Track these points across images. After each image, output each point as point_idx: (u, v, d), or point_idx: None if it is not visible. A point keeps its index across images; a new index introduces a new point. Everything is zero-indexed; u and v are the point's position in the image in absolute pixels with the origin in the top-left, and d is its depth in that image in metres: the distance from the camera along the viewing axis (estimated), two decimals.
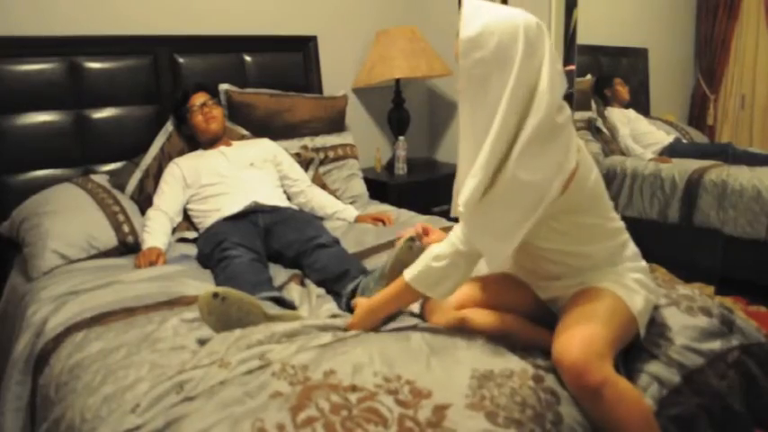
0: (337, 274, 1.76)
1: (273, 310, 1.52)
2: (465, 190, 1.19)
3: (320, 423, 1.05)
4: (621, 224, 1.38)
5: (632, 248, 1.38)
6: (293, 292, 1.76)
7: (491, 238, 1.22)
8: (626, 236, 1.38)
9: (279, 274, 1.90)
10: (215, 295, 1.42)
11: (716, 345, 1.40)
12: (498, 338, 1.33)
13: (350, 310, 1.61)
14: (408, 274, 1.32)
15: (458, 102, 1.24)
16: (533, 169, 1.14)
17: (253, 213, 2.17)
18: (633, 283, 1.30)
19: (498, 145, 1.14)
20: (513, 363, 1.24)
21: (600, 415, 1.13)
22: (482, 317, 1.38)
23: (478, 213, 1.20)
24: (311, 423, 1.05)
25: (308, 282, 1.86)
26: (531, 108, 1.13)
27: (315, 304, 1.69)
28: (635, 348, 1.33)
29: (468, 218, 1.23)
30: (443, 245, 1.30)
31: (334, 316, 1.58)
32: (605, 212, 1.33)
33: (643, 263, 1.38)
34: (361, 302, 1.46)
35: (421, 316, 1.50)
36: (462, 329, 1.37)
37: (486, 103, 1.14)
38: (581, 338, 1.15)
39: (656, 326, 1.39)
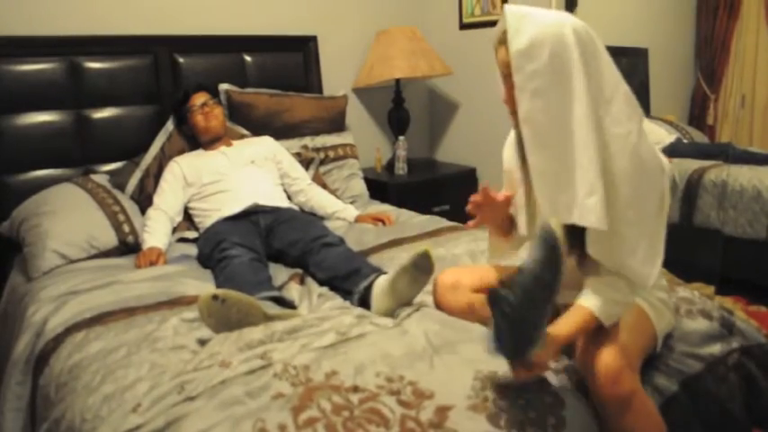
0: (347, 273, 1.75)
1: (273, 309, 1.52)
2: (590, 212, 1.09)
3: (322, 423, 1.05)
4: None
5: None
6: (293, 292, 1.76)
7: (638, 254, 1.15)
8: None
9: (279, 273, 1.90)
10: (214, 297, 1.42)
11: (716, 348, 1.40)
12: None
13: (364, 306, 1.62)
14: (596, 307, 1.18)
15: (517, 122, 1.17)
16: (647, 147, 1.12)
17: (254, 214, 2.17)
18: (658, 303, 1.31)
19: (596, 151, 1.08)
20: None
21: (621, 425, 1.13)
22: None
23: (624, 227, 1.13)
24: (313, 423, 1.05)
25: (308, 280, 1.86)
26: (609, 107, 1.11)
27: (315, 303, 1.69)
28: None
29: (613, 241, 1.13)
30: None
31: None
32: None
33: (663, 281, 1.38)
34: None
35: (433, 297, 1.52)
36: (467, 323, 1.37)
37: (550, 116, 1.10)
38: (616, 348, 1.14)
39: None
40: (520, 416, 1.11)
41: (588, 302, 1.18)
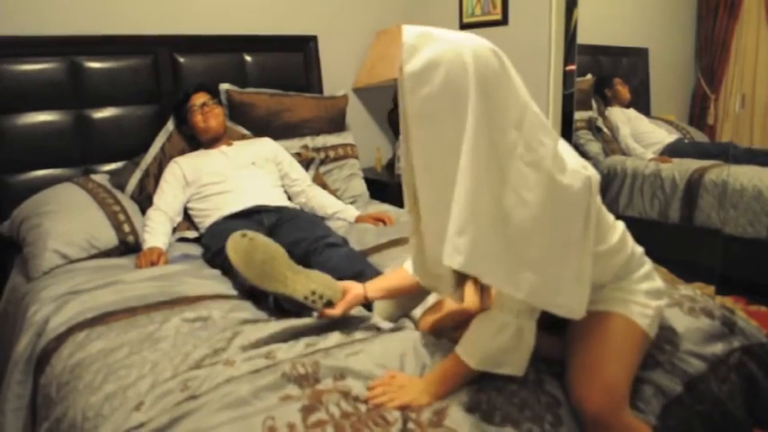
0: (351, 275, 1.75)
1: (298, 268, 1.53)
2: (456, 251, 0.98)
3: (330, 425, 1.06)
4: (620, 234, 1.25)
5: (637, 254, 1.30)
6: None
7: (563, 290, 1.05)
8: (628, 246, 1.27)
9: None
10: (243, 235, 1.47)
11: (718, 348, 1.40)
12: None
13: (366, 308, 1.62)
14: (468, 356, 1.16)
15: (406, 147, 1.08)
16: (564, 174, 1.01)
17: (257, 213, 2.17)
18: (643, 297, 1.25)
19: (482, 187, 0.98)
20: None
21: None
22: None
23: (527, 268, 1.02)
24: (322, 425, 1.06)
25: None
26: (516, 134, 0.99)
27: None
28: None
29: (519, 272, 1.02)
30: (494, 314, 1.14)
31: None
32: (599, 238, 1.19)
33: (647, 264, 1.32)
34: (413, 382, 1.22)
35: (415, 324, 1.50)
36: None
37: (443, 145, 0.99)
38: (603, 386, 1.11)
39: (661, 328, 1.38)
40: (515, 414, 1.12)
41: (462, 350, 1.17)
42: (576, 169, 1.04)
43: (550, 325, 1.30)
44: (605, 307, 1.23)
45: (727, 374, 1.38)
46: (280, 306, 1.63)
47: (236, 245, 1.46)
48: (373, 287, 1.46)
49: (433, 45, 0.98)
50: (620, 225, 1.29)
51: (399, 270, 1.46)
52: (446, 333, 1.36)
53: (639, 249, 1.33)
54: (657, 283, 1.30)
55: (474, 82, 0.96)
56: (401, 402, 1.13)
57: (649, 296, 1.26)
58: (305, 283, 1.46)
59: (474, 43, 0.98)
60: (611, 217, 1.27)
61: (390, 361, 1.26)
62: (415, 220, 1.17)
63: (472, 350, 1.16)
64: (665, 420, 1.24)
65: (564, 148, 1.09)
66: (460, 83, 0.96)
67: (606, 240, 1.21)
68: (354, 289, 1.46)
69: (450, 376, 1.18)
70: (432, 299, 1.51)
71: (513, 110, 1.00)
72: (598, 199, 1.13)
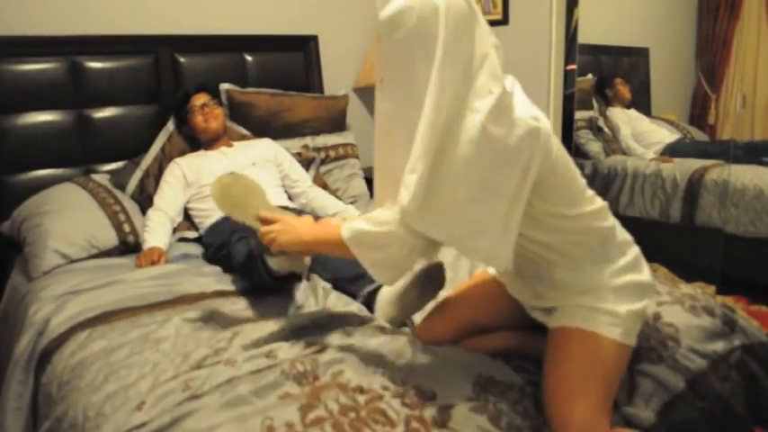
0: (352, 276, 1.75)
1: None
2: (406, 189, 1.03)
3: (329, 423, 1.05)
4: (597, 207, 1.21)
5: (618, 239, 1.23)
6: (296, 286, 1.75)
7: (487, 234, 1.05)
8: (606, 225, 1.21)
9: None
10: (231, 173, 1.53)
11: (719, 346, 1.39)
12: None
13: (368, 309, 1.62)
14: (354, 243, 1.15)
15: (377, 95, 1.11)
16: (502, 124, 1.02)
17: None
18: (613, 303, 1.16)
19: (437, 128, 1.01)
20: (510, 376, 1.24)
21: None
22: (478, 345, 1.34)
23: (453, 207, 1.04)
24: (320, 423, 1.05)
25: (313, 276, 1.85)
26: (471, 84, 1.03)
27: (321, 295, 1.69)
28: (643, 348, 1.32)
29: (443, 220, 1.06)
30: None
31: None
32: (571, 201, 1.16)
33: (630, 255, 1.22)
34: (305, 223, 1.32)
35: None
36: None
37: (416, 89, 1.03)
38: (579, 423, 1.07)
39: (664, 325, 1.39)
40: (519, 421, 1.12)
41: (350, 233, 1.15)
42: (523, 118, 1.04)
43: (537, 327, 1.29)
44: (571, 322, 1.17)
45: (728, 373, 1.38)
46: (264, 279, 1.60)
47: (221, 179, 1.51)
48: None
49: None
50: (602, 203, 1.24)
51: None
52: (443, 342, 1.35)
53: (625, 237, 1.26)
54: (641, 276, 1.21)
55: (443, 26, 1.00)
56: (278, 243, 1.30)
57: (623, 297, 1.17)
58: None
59: None
60: (589, 191, 1.23)
61: (390, 361, 1.26)
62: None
63: (359, 238, 1.14)
64: (667, 417, 1.24)
65: (519, 97, 1.10)
66: (431, 26, 1.00)
67: (578, 205, 1.17)
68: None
69: (327, 246, 1.26)
70: (431, 306, 1.51)
71: (476, 56, 1.03)
72: (564, 156, 1.13)
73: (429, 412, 1.10)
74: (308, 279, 1.84)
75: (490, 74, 1.04)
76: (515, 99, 1.09)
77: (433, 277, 1.42)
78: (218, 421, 1.07)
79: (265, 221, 1.39)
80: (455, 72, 1.02)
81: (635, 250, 1.24)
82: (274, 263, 1.51)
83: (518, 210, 1.05)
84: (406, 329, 1.50)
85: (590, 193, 1.22)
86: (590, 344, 1.14)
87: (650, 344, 1.34)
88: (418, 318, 1.52)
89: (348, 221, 1.18)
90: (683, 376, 1.30)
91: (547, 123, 1.08)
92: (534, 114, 1.07)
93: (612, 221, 1.24)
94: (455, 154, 1.02)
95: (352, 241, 1.14)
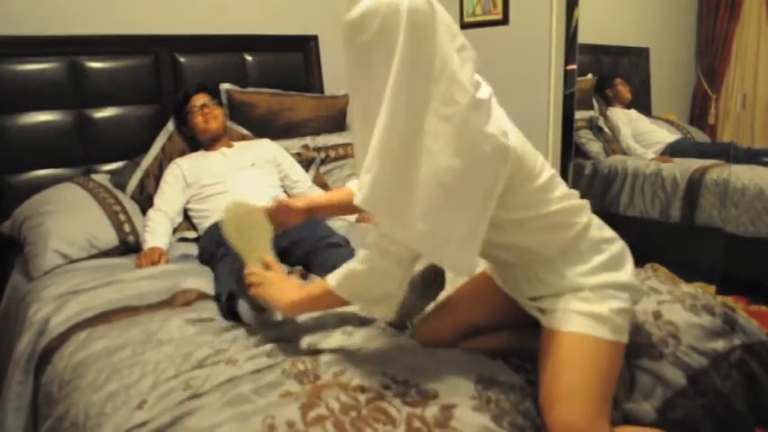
0: None
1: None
2: (360, 188, 1.07)
3: (330, 421, 1.05)
4: (564, 211, 1.18)
5: (593, 237, 1.20)
6: None
7: (451, 245, 1.06)
8: (574, 228, 1.18)
9: (282, 270, 1.89)
10: (248, 205, 1.56)
11: (719, 345, 1.39)
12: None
13: None
14: (344, 291, 1.19)
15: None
16: (471, 137, 1.03)
17: None
18: (597, 304, 1.15)
19: (392, 133, 1.03)
20: (510, 375, 1.23)
21: None
22: (477, 346, 1.34)
23: (420, 215, 1.05)
24: (321, 421, 1.05)
25: (311, 276, 1.85)
26: (432, 89, 1.03)
27: None
28: (644, 345, 1.33)
29: (410, 228, 1.06)
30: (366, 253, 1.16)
31: None
32: (533, 205, 1.15)
33: (607, 253, 1.20)
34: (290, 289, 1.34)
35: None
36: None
37: (375, 89, 1.05)
38: (575, 427, 1.06)
39: (664, 323, 1.39)
40: (520, 420, 1.11)
41: (338, 285, 1.18)
42: (493, 135, 1.05)
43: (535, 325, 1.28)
44: (559, 326, 1.16)
45: (729, 371, 1.38)
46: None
47: (237, 206, 1.56)
48: (315, 203, 1.50)
49: None
50: (574, 201, 1.21)
51: (344, 189, 1.48)
52: (442, 343, 1.35)
53: (604, 235, 1.23)
54: (618, 276, 1.19)
55: (404, 29, 1.01)
56: (264, 294, 1.32)
57: (603, 296, 1.15)
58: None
59: None
60: (559, 190, 1.20)
61: (391, 361, 1.26)
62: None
63: (349, 287, 1.18)
64: (669, 413, 1.24)
65: (496, 111, 1.10)
66: (393, 29, 1.01)
67: (542, 207, 1.15)
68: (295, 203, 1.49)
69: (317, 302, 1.27)
70: (431, 307, 1.51)
71: (436, 63, 1.03)
72: (530, 162, 1.13)
73: (431, 411, 1.09)
74: (305, 278, 1.84)
75: (454, 80, 1.04)
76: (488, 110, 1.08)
77: (433, 279, 1.41)
78: (219, 420, 1.07)
79: (263, 265, 1.43)
80: (413, 77, 1.02)
81: (614, 249, 1.22)
82: (244, 306, 1.50)
83: (483, 223, 1.07)
84: (406, 331, 1.50)
85: (560, 192, 1.19)
86: (579, 346, 1.13)
87: (651, 341, 1.34)
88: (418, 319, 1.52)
89: (334, 281, 1.20)
90: (684, 373, 1.30)
91: (516, 139, 1.09)
92: (504, 129, 1.08)
93: (586, 220, 1.21)
94: (420, 162, 1.03)
95: (341, 288, 1.18)
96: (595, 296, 1.15)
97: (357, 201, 1.07)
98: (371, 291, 1.16)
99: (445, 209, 1.04)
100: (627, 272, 1.21)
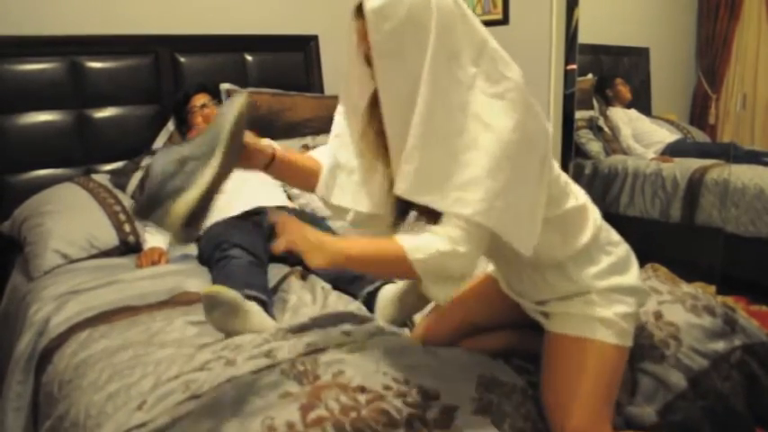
0: (352, 276, 1.75)
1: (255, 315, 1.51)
2: (402, 178, 1.03)
3: (330, 422, 1.05)
4: (577, 210, 1.18)
5: (601, 239, 1.19)
6: (294, 286, 1.75)
7: (522, 220, 1.04)
8: (590, 227, 1.17)
9: (280, 270, 1.90)
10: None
11: (719, 345, 1.40)
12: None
13: (368, 309, 1.62)
14: (413, 251, 1.03)
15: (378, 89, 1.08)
16: (526, 112, 1.03)
17: (256, 214, 2.16)
18: (606, 308, 1.14)
19: (433, 120, 1.01)
20: (512, 377, 1.23)
21: None
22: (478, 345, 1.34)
23: (495, 192, 1.00)
24: (321, 423, 1.05)
25: (311, 276, 1.85)
26: (475, 71, 1.02)
27: (319, 295, 1.69)
28: (645, 347, 1.33)
29: (490, 206, 1.00)
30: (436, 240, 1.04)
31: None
32: (551, 202, 1.13)
33: (614, 256, 1.19)
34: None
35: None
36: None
37: (407, 78, 1.02)
38: (586, 411, 1.09)
39: (665, 324, 1.39)
40: (521, 422, 1.11)
41: (408, 241, 1.03)
42: (539, 115, 1.07)
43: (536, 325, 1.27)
44: (566, 330, 1.16)
45: (729, 372, 1.38)
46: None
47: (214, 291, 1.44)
48: (282, 153, 1.30)
49: None
50: (583, 200, 1.21)
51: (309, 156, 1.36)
52: (442, 342, 1.35)
53: (611, 237, 1.22)
54: (626, 279, 1.18)
55: (435, 17, 0.99)
56: (302, 248, 1.10)
57: (610, 300, 1.15)
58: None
59: None
60: (571, 188, 1.21)
61: (391, 361, 1.25)
62: (369, 157, 1.20)
63: (427, 261, 1.02)
64: (670, 416, 1.24)
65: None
66: (422, 17, 1.00)
67: (559, 205, 1.15)
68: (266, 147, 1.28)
69: (377, 262, 1.09)
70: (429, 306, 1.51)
71: (473, 45, 1.03)
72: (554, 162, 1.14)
73: (432, 413, 1.09)
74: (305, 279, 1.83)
75: (497, 57, 1.04)
76: None
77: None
78: (218, 421, 1.06)
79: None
80: (452, 62, 1.01)
81: (621, 251, 1.21)
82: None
83: (542, 196, 1.07)
84: (406, 330, 1.50)
85: (573, 189, 1.21)
86: (584, 350, 1.13)
87: (652, 342, 1.34)
88: (418, 318, 1.52)
89: (404, 238, 1.06)
90: (685, 375, 1.30)
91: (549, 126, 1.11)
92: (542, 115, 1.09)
93: (598, 221, 1.21)
94: (478, 142, 1.00)
95: (420, 260, 1.02)
96: (602, 300, 1.15)
97: (401, 191, 1.03)
98: (449, 270, 1.04)
99: (514, 183, 1.01)
100: (633, 275, 1.21)
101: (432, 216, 1.07)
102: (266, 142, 1.28)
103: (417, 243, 1.03)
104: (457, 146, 1.01)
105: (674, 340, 1.35)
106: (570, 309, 1.16)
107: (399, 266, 1.05)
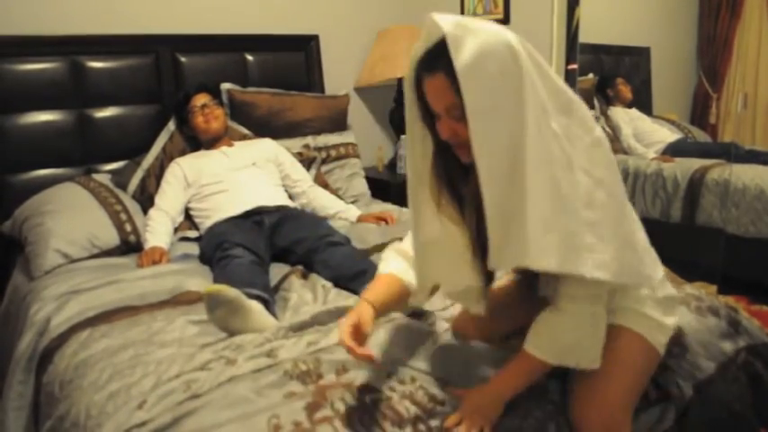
0: (353, 273, 1.75)
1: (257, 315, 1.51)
2: (545, 252, 0.95)
3: (338, 421, 1.06)
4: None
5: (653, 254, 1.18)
6: (295, 285, 1.76)
7: (644, 252, 1.08)
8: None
9: (281, 270, 1.90)
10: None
11: (726, 347, 1.40)
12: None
13: None
14: (543, 352, 1.08)
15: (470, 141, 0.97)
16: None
17: (257, 214, 2.17)
18: (659, 312, 1.17)
19: (551, 173, 0.94)
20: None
21: None
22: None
23: (613, 236, 1.00)
24: (328, 421, 1.05)
25: (312, 275, 1.85)
26: (568, 118, 0.99)
27: (320, 293, 1.69)
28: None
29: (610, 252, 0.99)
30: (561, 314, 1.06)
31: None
32: None
33: (660, 268, 1.20)
34: (471, 396, 1.12)
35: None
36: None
37: (508, 136, 0.94)
38: (605, 408, 1.08)
39: (672, 344, 1.38)
40: (517, 422, 1.11)
41: (534, 347, 1.07)
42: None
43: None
44: (619, 320, 1.15)
45: (737, 373, 1.38)
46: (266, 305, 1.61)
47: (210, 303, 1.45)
48: (378, 302, 1.18)
49: (476, 34, 0.93)
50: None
51: (389, 280, 1.23)
52: (494, 340, 1.31)
53: (655, 255, 1.21)
54: (671, 290, 1.22)
55: (525, 69, 0.93)
56: (488, 429, 1.06)
57: (665, 308, 1.18)
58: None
59: (509, 32, 0.96)
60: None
61: (394, 359, 1.25)
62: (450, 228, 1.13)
63: (549, 345, 1.07)
64: (679, 424, 1.25)
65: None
66: (514, 71, 0.93)
67: None
68: (363, 313, 1.14)
69: (524, 375, 1.11)
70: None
71: (555, 95, 0.98)
72: None
73: (434, 421, 1.09)
74: (306, 278, 1.83)
75: (578, 103, 1.01)
76: None
77: None
78: (221, 420, 1.07)
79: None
80: (546, 114, 0.95)
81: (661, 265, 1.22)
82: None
83: (641, 227, 1.10)
84: (398, 316, 1.47)
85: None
86: (638, 345, 1.14)
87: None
88: (448, 312, 1.47)
89: (530, 345, 1.09)
90: (690, 383, 1.29)
91: None
92: None
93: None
94: (600, 195, 0.98)
95: (561, 358, 1.07)
96: (656, 306, 1.17)
97: (553, 266, 0.95)
98: (572, 336, 1.07)
99: (629, 231, 1.03)
100: (670, 285, 1.24)
101: (526, 274, 1.08)
102: (364, 315, 1.13)
103: (554, 346, 1.06)
104: (577, 206, 0.96)
105: (678, 347, 1.33)
106: (625, 304, 1.17)
107: (541, 369, 1.10)
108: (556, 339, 1.08)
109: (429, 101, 1.01)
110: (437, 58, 0.96)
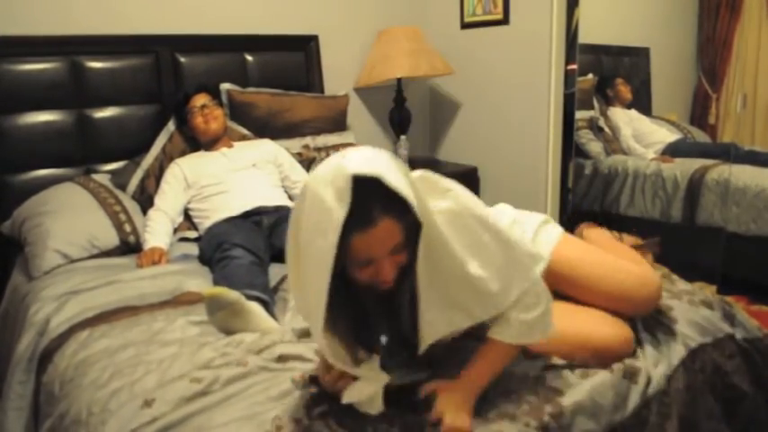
0: None
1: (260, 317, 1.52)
2: (534, 330, 1.14)
3: (333, 417, 1.06)
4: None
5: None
6: None
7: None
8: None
9: (280, 270, 1.90)
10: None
11: (723, 327, 1.42)
12: None
13: None
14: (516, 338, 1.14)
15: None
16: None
17: (256, 214, 2.17)
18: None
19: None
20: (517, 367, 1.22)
21: None
22: None
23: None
24: (324, 419, 1.06)
25: None
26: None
27: None
28: (646, 319, 1.36)
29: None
30: None
31: None
32: None
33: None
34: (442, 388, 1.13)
35: None
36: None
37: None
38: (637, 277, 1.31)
39: (660, 313, 1.40)
40: (512, 408, 1.11)
41: (498, 334, 1.13)
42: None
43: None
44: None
45: (734, 351, 1.39)
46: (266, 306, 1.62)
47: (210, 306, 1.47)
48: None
49: (386, 167, 0.94)
50: None
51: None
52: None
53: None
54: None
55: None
56: (469, 420, 1.06)
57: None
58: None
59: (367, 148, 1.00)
60: None
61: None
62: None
63: (509, 331, 1.13)
64: (673, 384, 1.27)
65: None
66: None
67: None
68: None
69: (497, 362, 1.16)
70: None
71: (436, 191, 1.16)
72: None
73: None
74: None
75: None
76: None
77: None
78: (228, 418, 1.07)
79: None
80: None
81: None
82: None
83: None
84: None
85: None
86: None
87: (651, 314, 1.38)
88: None
89: (492, 334, 1.14)
90: (684, 346, 1.34)
91: None
92: None
93: None
94: (487, 242, 1.09)
95: (512, 337, 1.14)
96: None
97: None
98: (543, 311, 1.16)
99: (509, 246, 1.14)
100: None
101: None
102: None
103: (511, 331, 1.14)
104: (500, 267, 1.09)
105: (670, 320, 1.39)
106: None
107: (512, 354, 1.19)
108: (515, 324, 1.13)
109: (362, 253, 0.95)
110: (370, 209, 0.92)
